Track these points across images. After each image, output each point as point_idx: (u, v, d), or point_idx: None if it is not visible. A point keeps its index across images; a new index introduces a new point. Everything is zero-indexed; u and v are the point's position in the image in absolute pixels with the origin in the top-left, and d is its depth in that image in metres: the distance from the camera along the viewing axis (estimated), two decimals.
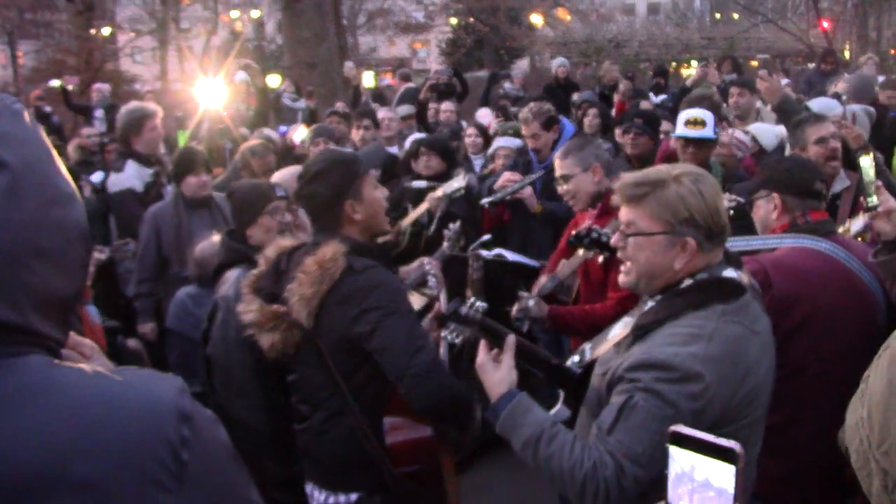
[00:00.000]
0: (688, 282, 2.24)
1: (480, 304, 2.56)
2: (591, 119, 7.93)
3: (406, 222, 5.46)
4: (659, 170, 2.33)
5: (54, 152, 1.13)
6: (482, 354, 2.40)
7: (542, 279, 4.24)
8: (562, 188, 4.07)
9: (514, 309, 3.81)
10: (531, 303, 3.78)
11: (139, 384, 1.10)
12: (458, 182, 5.28)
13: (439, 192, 5.28)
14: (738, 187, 4.14)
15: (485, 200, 5.47)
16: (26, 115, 1.10)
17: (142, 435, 1.04)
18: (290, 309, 2.77)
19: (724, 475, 1.11)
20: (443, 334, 3.22)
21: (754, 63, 23.73)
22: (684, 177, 2.24)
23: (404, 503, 2.89)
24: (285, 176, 4.22)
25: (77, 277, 1.13)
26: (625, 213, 2.31)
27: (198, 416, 1.11)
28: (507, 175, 5.44)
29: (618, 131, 6.62)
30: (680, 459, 1.15)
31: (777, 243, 3.09)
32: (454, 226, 4.66)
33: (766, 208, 3.23)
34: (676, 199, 2.20)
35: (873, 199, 2.93)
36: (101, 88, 13.31)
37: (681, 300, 2.21)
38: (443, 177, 5.65)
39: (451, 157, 6.04)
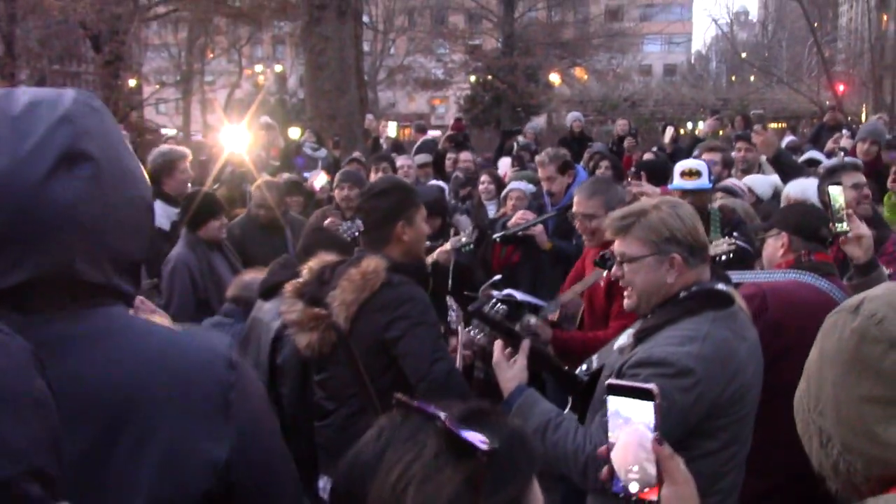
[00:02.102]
0: (683, 294, 2.51)
1: (502, 307, 2.79)
2: (602, 171, 8.18)
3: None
4: (640, 203, 2.68)
5: (124, 139, 1.37)
6: (498, 354, 2.64)
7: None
8: (582, 225, 4.22)
9: (517, 327, 3.95)
10: (532, 320, 3.93)
11: (197, 336, 1.38)
12: (465, 237, 5.43)
13: (447, 246, 5.38)
14: (752, 227, 4.36)
15: (497, 235, 5.67)
16: (102, 108, 1.33)
17: (199, 373, 1.29)
18: (330, 312, 3.11)
19: (646, 410, 1.42)
20: (466, 329, 3.44)
21: (773, 125, 24.07)
22: (663, 204, 2.59)
23: None
24: None
25: (145, 241, 1.38)
26: (617, 245, 2.62)
27: (242, 367, 1.35)
28: (520, 213, 5.66)
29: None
30: (614, 404, 1.45)
31: (780, 277, 3.31)
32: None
33: (773, 246, 3.46)
34: (658, 222, 2.52)
35: (843, 226, 3.19)
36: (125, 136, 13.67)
37: (678, 307, 2.48)
38: (440, 234, 5.76)
39: (444, 212, 6.20)
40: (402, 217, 3.25)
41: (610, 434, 1.45)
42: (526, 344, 2.63)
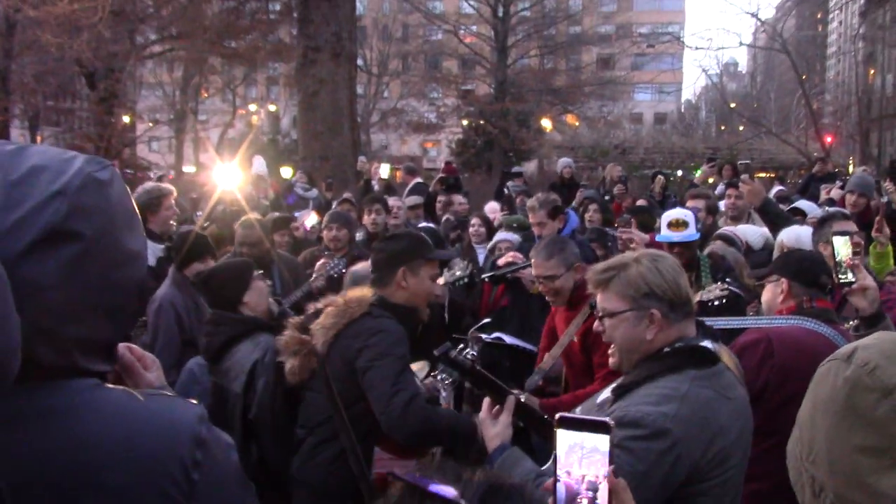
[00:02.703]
0: (666, 350, 2.44)
1: (471, 352, 2.74)
2: (591, 214, 8.26)
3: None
4: (623, 256, 2.62)
5: (133, 212, 1.30)
6: (484, 412, 2.59)
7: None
8: (545, 287, 4.23)
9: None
10: (521, 398, 3.92)
11: (164, 409, 1.30)
12: (460, 271, 5.46)
13: (441, 281, 5.40)
14: (752, 273, 4.36)
15: (486, 275, 5.69)
16: (111, 181, 1.26)
17: (160, 455, 1.22)
18: (312, 337, 3.19)
19: (602, 442, 1.44)
20: (434, 374, 3.44)
21: (761, 175, 24.32)
22: (644, 258, 2.52)
23: None
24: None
25: (127, 325, 1.33)
26: (598, 299, 2.57)
27: (212, 442, 1.29)
28: (511, 254, 5.68)
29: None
30: (567, 438, 1.45)
31: (782, 322, 3.30)
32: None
33: (773, 292, 3.46)
34: (636, 276, 2.46)
35: (848, 276, 3.15)
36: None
37: (658, 364, 2.40)
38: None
39: (439, 246, 6.23)
40: (405, 264, 3.32)
41: (558, 468, 1.44)
42: (511, 401, 2.58)
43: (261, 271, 4.25)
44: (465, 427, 3.13)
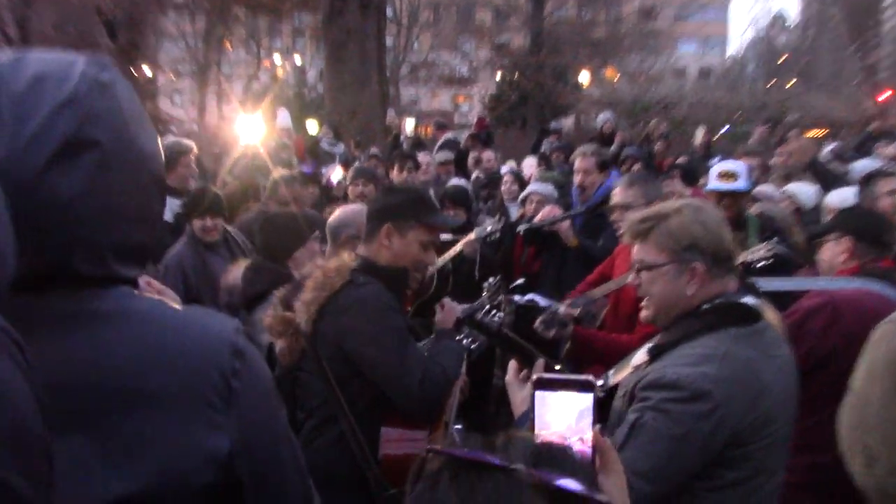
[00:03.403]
0: (705, 307, 2.40)
1: (499, 314, 2.70)
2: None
3: (432, 268, 5.59)
4: (662, 205, 2.55)
5: (141, 110, 1.32)
6: (511, 374, 2.55)
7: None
8: (618, 216, 4.22)
9: (543, 316, 3.88)
10: (561, 309, 3.89)
11: (202, 319, 1.33)
12: (491, 225, 5.43)
13: (472, 235, 5.38)
14: (806, 230, 4.28)
15: (521, 227, 5.67)
16: (115, 82, 1.28)
17: (200, 362, 1.26)
18: (295, 315, 3.04)
19: (585, 401, 1.36)
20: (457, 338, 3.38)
21: (812, 132, 23.90)
22: (686, 208, 2.45)
23: None
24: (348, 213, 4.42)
25: (155, 226, 1.36)
26: (635, 251, 2.51)
27: (249, 353, 1.32)
28: (548, 208, 5.65)
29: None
30: (546, 400, 1.38)
31: (844, 285, 3.23)
32: (494, 279, 4.75)
33: (833, 251, 3.38)
34: (678, 227, 2.40)
35: None
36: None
37: (696, 321, 2.36)
38: (462, 229, 5.64)
39: (469, 204, 6.26)
40: (392, 221, 3.11)
41: (537, 429, 1.38)
42: (540, 363, 2.55)
43: (319, 234, 4.19)
44: (461, 352, 3.14)
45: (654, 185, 4.30)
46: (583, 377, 1.39)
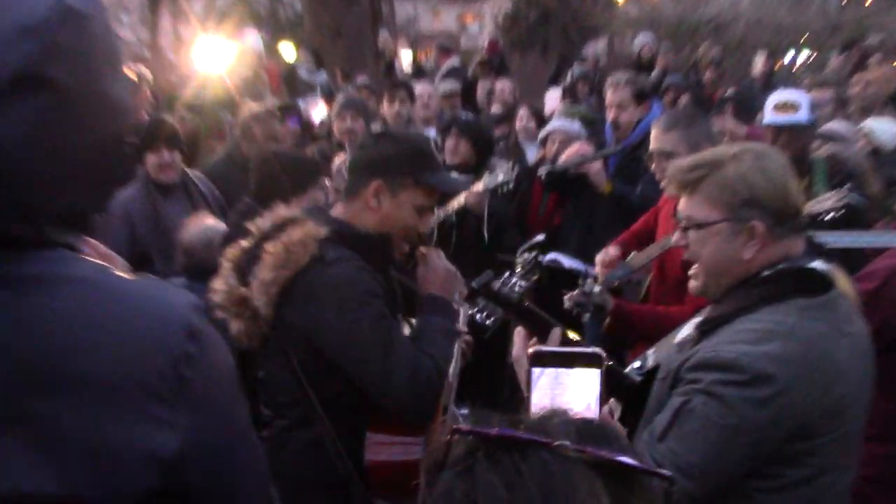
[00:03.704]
0: (766, 273, 2.36)
1: (520, 283, 2.66)
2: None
3: (432, 222, 5.49)
4: (717, 150, 2.48)
5: (116, 50, 1.29)
6: (519, 347, 2.51)
7: (611, 250, 4.32)
8: (659, 166, 4.16)
9: (573, 294, 3.87)
10: (596, 288, 3.86)
11: (153, 291, 1.31)
12: (503, 174, 5.30)
13: (480, 186, 5.26)
14: (883, 174, 4.22)
15: (542, 170, 5.62)
16: (94, 13, 1.23)
17: (146, 343, 1.23)
18: (251, 293, 2.89)
19: (591, 379, 1.36)
20: (469, 311, 3.32)
21: None
22: (745, 154, 2.38)
23: None
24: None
25: (110, 193, 1.33)
26: (682, 206, 2.46)
27: (206, 335, 1.30)
28: (576, 146, 5.58)
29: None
30: (546, 377, 1.38)
31: None
32: (528, 255, 4.68)
33: None
34: (736, 178, 2.33)
35: None
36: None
37: (755, 292, 2.32)
38: (471, 168, 5.67)
39: (485, 146, 6.06)
40: (383, 177, 2.97)
41: (534, 406, 1.38)
42: (557, 334, 2.50)
43: (322, 178, 4.22)
44: (453, 329, 3.05)
45: (701, 127, 4.19)
46: (589, 349, 1.39)
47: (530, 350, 1.39)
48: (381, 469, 2.93)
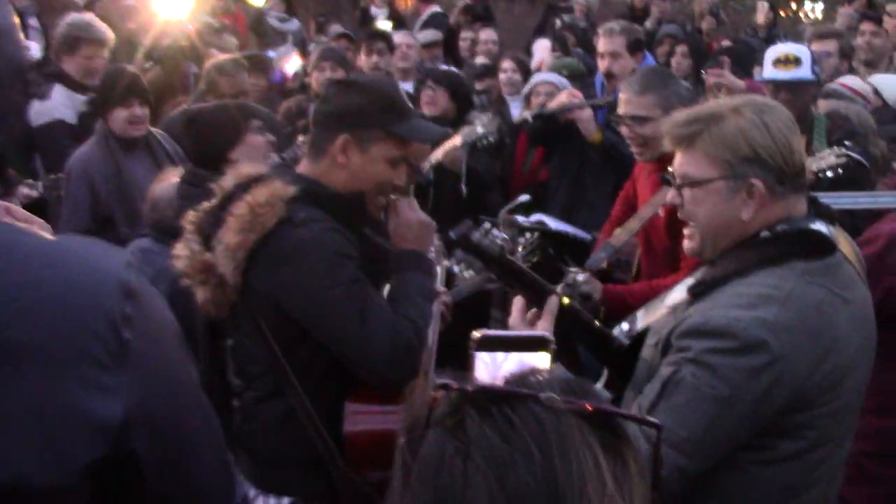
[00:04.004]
0: (764, 234, 2.34)
1: (499, 234, 2.64)
2: (678, 58, 8.11)
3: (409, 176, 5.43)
4: (716, 103, 2.45)
5: None
6: (516, 313, 2.53)
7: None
8: (630, 131, 4.14)
9: (559, 288, 3.89)
10: (580, 277, 3.87)
11: (84, 252, 1.28)
12: (483, 127, 5.24)
13: (457, 140, 5.19)
14: (883, 132, 4.20)
15: (528, 113, 5.63)
16: None
17: (81, 306, 1.21)
18: (216, 259, 2.87)
19: (540, 363, 1.34)
20: (446, 264, 3.28)
21: None
22: (745, 107, 2.35)
23: None
24: None
25: (10, 126, 1.28)
26: (677, 162, 2.44)
27: (143, 293, 1.28)
28: (566, 92, 5.57)
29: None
30: (490, 361, 1.35)
31: None
32: (531, 236, 4.63)
33: None
34: (735, 133, 2.31)
35: None
36: None
37: (752, 253, 2.31)
38: (450, 122, 5.57)
39: (464, 98, 6.04)
40: (351, 129, 2.93)
41: None
42: (554, 303, 2.51)
43: (257, 121, 4.11)
44: (431, 289, 3.06)
45: (674, 88, 4.16)
46: (537, 333, 1.36)
47: (475, 334, 1.37)
48: (359, 439, 2.91)
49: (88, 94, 5.81)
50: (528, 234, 4.55)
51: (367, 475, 2.89)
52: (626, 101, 4.14)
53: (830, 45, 6.30)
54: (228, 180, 3.02)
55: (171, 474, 1.31)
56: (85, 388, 1.19)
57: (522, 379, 1.11)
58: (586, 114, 5.34)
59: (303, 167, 3.08)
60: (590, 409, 1.06)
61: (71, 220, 5.03)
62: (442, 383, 1.10)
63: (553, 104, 5.51)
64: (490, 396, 1.07)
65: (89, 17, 6.63)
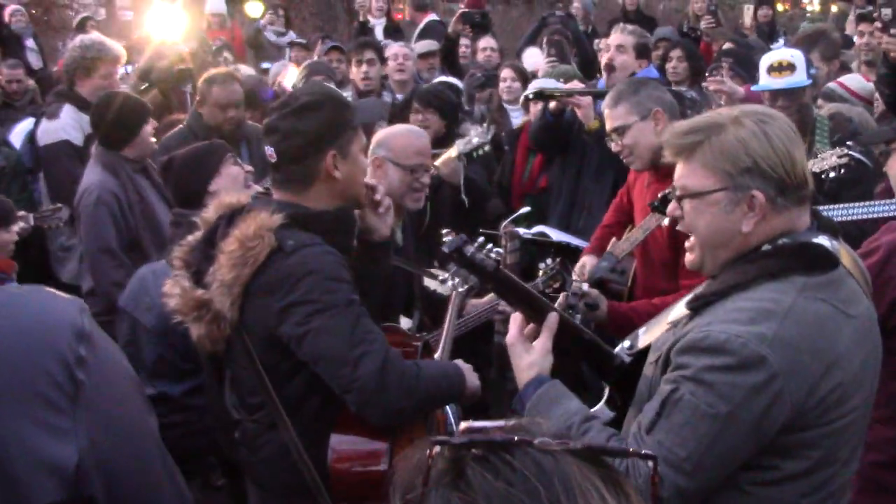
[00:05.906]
0: (766, 248, 2.32)
1: (496, 249, 2.62)
2: (674, 63, 8.03)
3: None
4: (716, 113, 2.43)
5: None
6: (514, 331, 2.52)
7: (587, 259, 4.32)
8: (616, 144, 4.16)
9: (561, 299, 3.86)
10: (584, 286, 3.84)
11: (37, 298, 1.30)
12: (477, 137, 5.23)
13: (453, 153, 5.20)
14: (869, 135, 4.17)
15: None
16: None
17: (33, 349, 1.22)
18: (212, 296, 2.89)
19: None
20: (440, 278, 3.29)
21: None
22: (747, 117, 2.33)
23: None
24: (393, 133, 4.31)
25: None
26: (677, 173, 2.42)
27: (97, 337, 1.28)
28: (573, 83, 5.67)
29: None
30: None
31: None
32: (552, 262, 4.58)
33: None
34: (735, 144, 2.28)
35: None
36: (15, 11, 12.20)
37: (752, 267, 2.29)
38: (443, 139, 5.61)
39: (452, 112, 6.03)
40: (335, 143, 2.96)
41: None
42: (553, 319, 2.50)
43: (230, 154, 4.22)
44: (453, 379, 3.06)
45: (648, 92, 4.18)
46: (522, 438, 1.33)
47: (462, 425, 1.31)
48: (345, 473, 2.97)
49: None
50: (549, 261, 4.53)
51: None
52: (606, 118, 4.21)
53: (813, 56, 6.27)
54: (210, 211, 3.08)
55: None
56: (40, 431, 1.19)
57: (513, 429, 1.12)
58: (586, 100, 5.38)
59: (281, 195, 3.07)
60: (582, 447, 1.07)
61: (103, 253, 5.00)
62: (437, 440, 1.09)
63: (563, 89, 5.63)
64: (485, 446, 1.07)
65: (98, 36, 6.68)
